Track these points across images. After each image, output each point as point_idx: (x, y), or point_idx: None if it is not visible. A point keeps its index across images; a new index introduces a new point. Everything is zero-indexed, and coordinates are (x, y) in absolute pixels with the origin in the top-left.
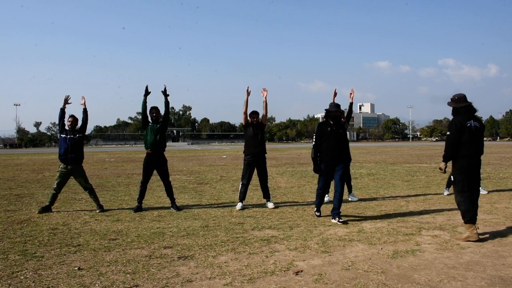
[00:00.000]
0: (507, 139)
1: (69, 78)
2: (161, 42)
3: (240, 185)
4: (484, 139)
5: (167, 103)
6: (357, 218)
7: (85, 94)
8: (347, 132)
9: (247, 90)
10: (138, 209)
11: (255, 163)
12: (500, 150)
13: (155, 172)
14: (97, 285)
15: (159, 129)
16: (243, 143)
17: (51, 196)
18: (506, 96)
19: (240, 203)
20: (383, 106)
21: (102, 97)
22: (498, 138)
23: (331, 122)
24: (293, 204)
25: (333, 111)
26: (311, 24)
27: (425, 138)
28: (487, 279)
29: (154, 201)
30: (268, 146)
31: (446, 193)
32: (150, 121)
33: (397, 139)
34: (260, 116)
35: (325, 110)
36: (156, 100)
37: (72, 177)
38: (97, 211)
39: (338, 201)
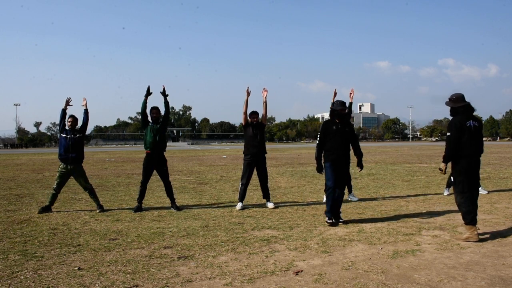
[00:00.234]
0: (507, 139)
1: (69, 78)
2: (161, 42)
3: (240, 185)
4: (484, 139)
5: (166, 103)
6: (357, 218)
7: (85, 94)
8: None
9: (247, 90)
10: (138, 209)
11: (254, 163)
12: (500, 150)
13: (155, 172)
14: (97, 285)
15: (159, 129)
16: (243, 143)
17: (51, 196)
18: (506, 96)
19: (240, 203)
20: (383, 106)
21: (102, 97)
22: (498, 138)
23: (337, 121)
24: (293, 204)
25: (339, 109)
26: (311, 24)
27: (425, 138)
28: (487, 279)
29: (154, 201)
30: (268, 146)
31: (446, 193)
32: (150, 121)
33: (397, 139)
34: (260, 116)
35: (331, 108)
36: (156, 100)
37: (72, 177)
38: (97, 211)
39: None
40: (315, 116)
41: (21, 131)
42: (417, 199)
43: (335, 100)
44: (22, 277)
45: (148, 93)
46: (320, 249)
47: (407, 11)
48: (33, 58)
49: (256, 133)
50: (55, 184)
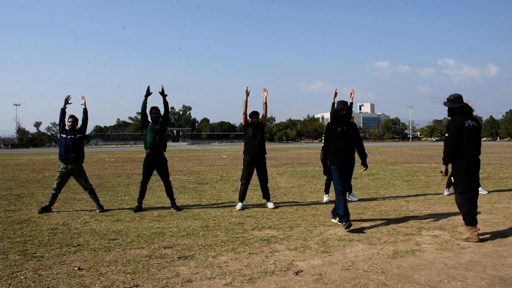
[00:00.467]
0: (507, 139)
1: (69, 78)
2: (161, 42)
3: (240, 185)
4: (484, 139)
5: (166, 103)
6: (357, 218)
7: (85, 94)
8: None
9: (247, 90)
10: (138, 209)
11: (254, 163)
12: (500, 150)
13: (155, 172)
14: (97, 285)
15: (158, 129)
16: (243, 143)
17: (51, 196)
18: (506, 96)
19: (240, 203)
20: (383, 106)
21: (102, 97)
22: (498, 138)
23: (341, 122)
24: (293, 204)
25: (339, 109)
26: (311, 24)
27: (425, 138)
28: (487, 279)
29: (154, 201)
30: (268, 146)
31: (446, 193)
32: (150, 121)
33: (397, 139)
34: (260, 116)
35: (333, 110)
36: (156, 100)
37: (72, 177)
38: (97, 211)
39: None
40: (315, 116)
41: (21, 131)
42: (417, 199)
43: (335, 100)
44: (22, 277)
45: (148, 93)
46: (320, 249)
47: (407, 11)
48: (33, 58)
49: (256, 133)
50: (55, 184)
